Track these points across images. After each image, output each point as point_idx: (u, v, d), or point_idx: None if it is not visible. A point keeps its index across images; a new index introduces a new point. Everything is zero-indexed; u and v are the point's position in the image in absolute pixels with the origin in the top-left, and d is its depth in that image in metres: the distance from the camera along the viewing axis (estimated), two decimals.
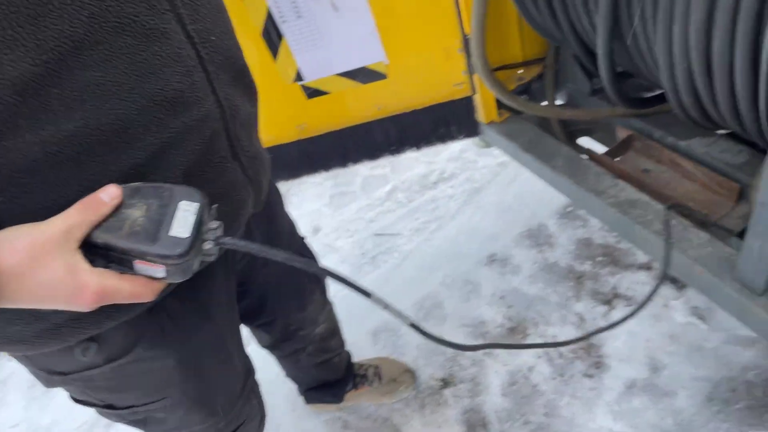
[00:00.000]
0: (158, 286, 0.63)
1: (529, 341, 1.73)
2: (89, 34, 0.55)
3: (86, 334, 0.71)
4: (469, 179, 2.43)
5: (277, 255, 0.65)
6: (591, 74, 1.53)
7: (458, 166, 2.52)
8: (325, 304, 1.38)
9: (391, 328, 1.90)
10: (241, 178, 0.80)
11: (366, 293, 0.71)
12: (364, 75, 1.52)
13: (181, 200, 0.60)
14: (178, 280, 0.62)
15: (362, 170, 2.64)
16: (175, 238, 0.59)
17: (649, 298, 1.10)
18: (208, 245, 0.62)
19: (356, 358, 1.74)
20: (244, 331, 1.13)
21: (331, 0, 1.36)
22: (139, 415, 0.89)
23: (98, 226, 0.58)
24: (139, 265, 0.59)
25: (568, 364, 1.64)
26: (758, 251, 0.94)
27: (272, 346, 1.37)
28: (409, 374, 1.71)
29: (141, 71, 0.61)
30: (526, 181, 2.26)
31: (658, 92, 1.44)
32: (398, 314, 0.74)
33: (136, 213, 0.59)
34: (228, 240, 0.64)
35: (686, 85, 1.03)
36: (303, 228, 2.41)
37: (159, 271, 0.60)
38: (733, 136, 1.31)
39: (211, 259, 0.64)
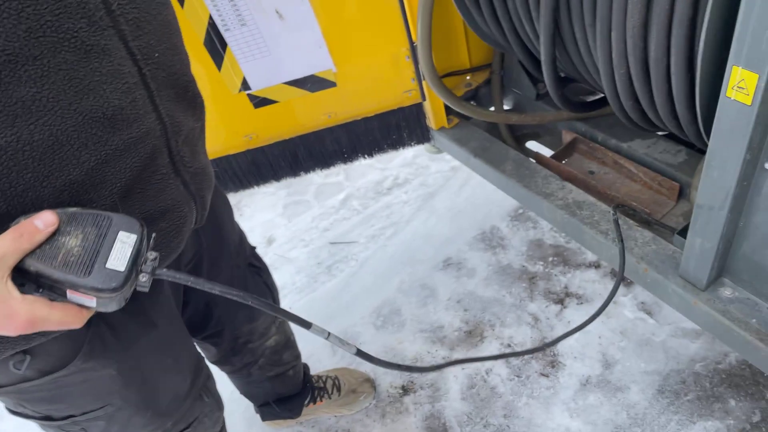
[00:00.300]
0: (87, 315, 0.63)
1: (486, 344, 1.75)
2: (26, 48, 0.54)
3: (15, 349, 0.69)
4: (423, 184, 2.44)
5: (214, 288, 0.66)
6: (536, 80, 1.56)
7: (412, 171, 2.53)
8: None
9: (348, 338, 1.88)
10: (184, 194, 0.78)
11: (306, 324, 0.73)
12: (312, 83, 1.50)
13: (119, 231, 0.60)
14: (109, 310, 0.61)
15: (316, 179, 2.61)
16: (110, 270, 0.58)
17: (606, 304, 1.13)
18: (143, 277, 0.62)
19: (315, 369, 1.71)
20: None
21: (275, 7, 1.34)
22: (79, 425, 0.87)
23: (32, 252, 0.57)
24: (72, 294, 0.58)
25: (524, 364, 1.67)
26: (699, 248, 0.98)
27: (221, 361, 1.32)
28: (368, 384, 1.70)
29: (79, 88, 0.59)
30: (479, 185, 2.29)
31: (600, 96, 1.48)
32: (341, 343, 0.75)
33: (72, 242, 0.58)
34: (164, 272, 0.64)
35: (625, 89, 1.06)
36: (256, 239, 2.37)
37: (91, 301, 0.59)
38: (672, 136, 1.36)
39: (145, 289, 0.63)
